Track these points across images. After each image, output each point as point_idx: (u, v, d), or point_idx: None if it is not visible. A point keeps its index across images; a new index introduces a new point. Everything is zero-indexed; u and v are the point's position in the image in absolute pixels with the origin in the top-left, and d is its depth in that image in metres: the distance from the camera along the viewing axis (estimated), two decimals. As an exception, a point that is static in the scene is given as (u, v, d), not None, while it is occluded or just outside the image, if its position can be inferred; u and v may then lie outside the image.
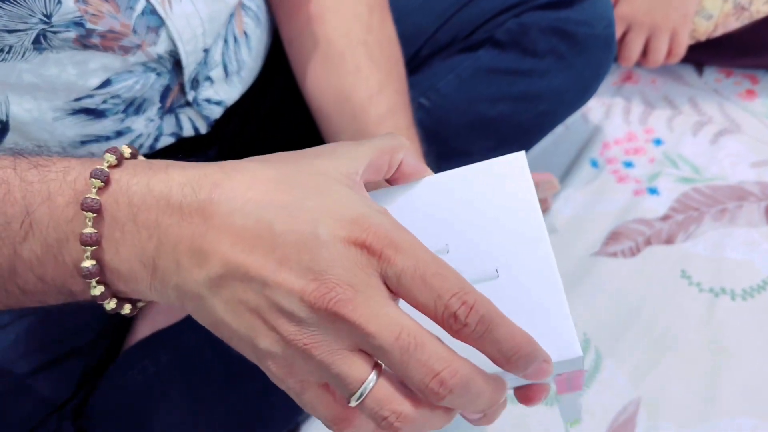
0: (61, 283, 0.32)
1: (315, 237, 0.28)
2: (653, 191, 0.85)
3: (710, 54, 0.99)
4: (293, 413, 0.63)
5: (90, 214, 0.30)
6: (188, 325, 0.59)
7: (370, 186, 0.37)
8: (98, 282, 0.31)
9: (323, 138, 0.63)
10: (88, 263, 0.30)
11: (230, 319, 0.30)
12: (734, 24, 0.91)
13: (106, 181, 0.31)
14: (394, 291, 0.29)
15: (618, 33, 0.91)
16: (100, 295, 0.31)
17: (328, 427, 0.31)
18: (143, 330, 0.63)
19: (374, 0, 0.63)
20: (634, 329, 0.71)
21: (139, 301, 0.34)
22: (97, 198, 0.30)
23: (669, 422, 0.64)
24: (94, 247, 0.30)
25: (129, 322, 0.64)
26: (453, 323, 0.28)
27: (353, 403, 0.29)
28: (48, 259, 0.31)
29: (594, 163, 0.89)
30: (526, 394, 0.34)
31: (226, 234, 0.29)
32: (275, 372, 0.30)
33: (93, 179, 0.30)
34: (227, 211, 0.29)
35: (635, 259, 0.78)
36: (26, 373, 0.54)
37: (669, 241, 0.79)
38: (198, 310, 0.31)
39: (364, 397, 0.28)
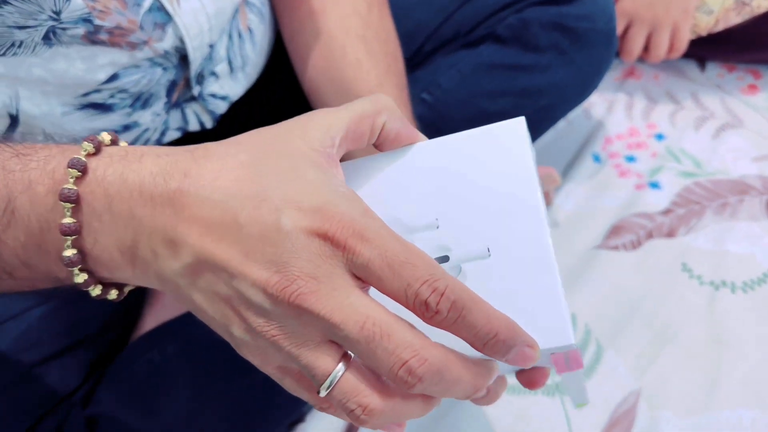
0: (46, 269, 0.33)
1: (278, 229, 0.28)
2: (655, 185, 0.85)
3: (713, 49, 0.99)
4: (298, 402, 0.64)
5: (68, 205, 0.30)
6: (193, 317, 0.60)
7: (359, 154, 0.36)
8: (81, 270, 0.31)
9: None
10: (69, 252, 0.30)
11: (206, 307, 0.30)
12: (735, 19, 0.91)
13: (83, 171, 0.31)
14: (364, 280, 0.29)
15: (620, 28, 0.92)
16: (84, 282, 0.31)
17: (314, 406, 0.32)
18: (150, 322, 0.64)
19: None
20: (635, 322, 0.71)
21: (126, 285, 0.34)
22: (75, 188, 0.30)
23: (669, 412, 0.64)
24: (74, 237, 0.30)
25: (137, 313, 0.65)
26: (425, 311, 0.28)
27: (322, 394, 0.29)
28: (32, 247, 0.32)
29: (596, 158, 0.90)
30: (527, 379, 0.35)
31: (195, 225, 0.29)
32: (252, 359, 0.30)
33: (70, 169, 0.30)
34: (196, 201, 0.29)
35: (636, 252, 0.78)
36: (37, 362, 0.55)
37: (670, 234, 0.80)
38: (178, 297, 0.31)
39: (331, 388, 0.28)
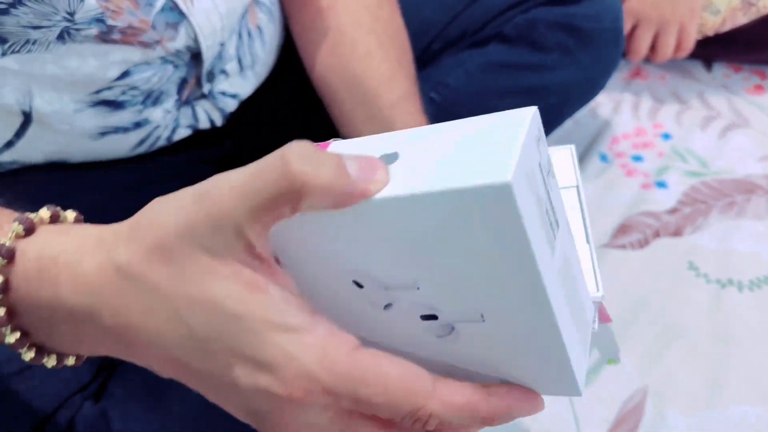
0: None
1: (235, 385, 0.26)
2: (661, 185, 0.86)
3: (719, 49, 1.00)
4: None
5: None
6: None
7: None
8: (12, 329, 0.30)
9: (335, 124, 0.64)
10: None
11: None
12: (742, 19, 0.92)
13: (11, 258, 0.30)
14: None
15: (626, 28, 0.92)
16: (15, 342, 0.30)
17: None
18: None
19: None
20: (642, 320, 0.72)
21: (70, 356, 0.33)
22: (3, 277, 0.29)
23: (675, 410, 0.65)
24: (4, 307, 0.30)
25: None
26: None
27: None
28: None
29: (603, 157, 0.90)
30: None
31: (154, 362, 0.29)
32: None
33: None
34: (143, 344, 0.28)
35: (644, 251, 0.79)
36: None
37: (677, 233, 0.80)
38: None
39: None
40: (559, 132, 0.94)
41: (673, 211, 0.83)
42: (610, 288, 0.75)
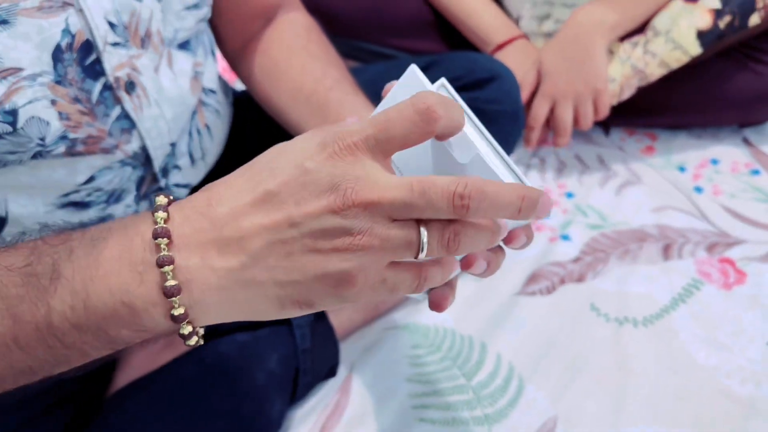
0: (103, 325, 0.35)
1: (307, 172, 0.33)
2: (566, 237, 0.94)
3: (615, 116, 1.09)
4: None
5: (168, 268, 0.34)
6: (160, 374, 0.66)
7: None
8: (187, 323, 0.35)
9: (292, 134, 0.71)
10: (177, 311, 0.34)
11: (292, 274, 0.33)
12: (636, 84, 0.99)
13: (169, 236, 0.34)
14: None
15: (546, 110, 0.97)
16: (188, 333, 0.35)
17: (413, 293, 0.37)
18: (122, 381, 0.69)
19: (310, 23, 0.73)
20: (551, 356, 0.79)
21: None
22: (170, 254, 0.34)
23: (582, 433, 0.71)
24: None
25: (109, 376, 0.70)
26: (462, 208, 0.32)
27: (422, 256, 0.34)
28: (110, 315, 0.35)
29: (515, 217, 0.98)
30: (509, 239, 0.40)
31: (242, 218, 0.34)
32: (355, 285, 0.34)
33: (160, 239, 0.34)
34: (228, 203, 0.34)
35: (552, 296, 0.86)
36: (24, 421, 0.60)
37: (580, 279, 0.88)
38: (258, 293, 0.35)
39: (426, 246, 0.33)
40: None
41: (576, 260, 0.91)
42: (524, 330, 0.82)
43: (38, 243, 0.36)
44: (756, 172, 1.02)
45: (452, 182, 0.33)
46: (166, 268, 0.33)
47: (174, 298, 0.34)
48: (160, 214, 0.35)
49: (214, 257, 0.34)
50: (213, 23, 0.72)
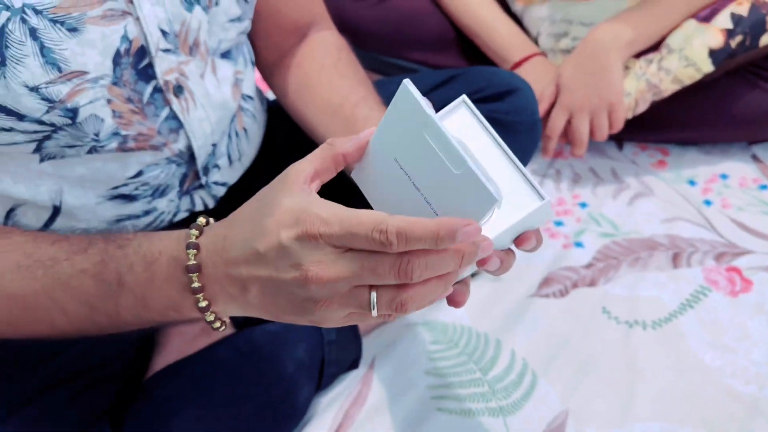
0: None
1: (281, 246, 0.41)
2: (579, 244, 0.98)
3: (629, 132, 1.12)
4: (283, 428, 0.73)
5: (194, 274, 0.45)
6: (196, 358, 0.71)
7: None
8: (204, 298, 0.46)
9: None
10: (203, 303, 0.46)
11: (277, 307, 0.44)
12: (651, 98, 1.02)
13: (198, 249, 0.46)
14: (341, 246, 0.41)
15: (562, 121, 1.01)
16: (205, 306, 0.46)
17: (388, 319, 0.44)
18: (159, 364, 0.73)
19: (341, 43, 0.78)
20: (563, 356, 0.82)
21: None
22: (196, 262, 0.46)
23: (592, 428, 0.74)
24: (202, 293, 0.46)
25: (149, 357, 0.75)
26: (385, 247, 0.39)
27: (374, 313, 0.42)
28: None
29: (531, 224, 1.02)
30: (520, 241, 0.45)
31: (243, 266, 0.44)
32: (325, 324, 0.44)
33: (189, 250, 0.45)
34: (235, 254, 0.44)
35: (565, 299, 0.89)
36: (79, 389, 0.64)
37: (592, 284, 0.91)
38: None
39: (376, 305, 0.41)
40: (495, 204, 1.06)
41: (588, 266, 0.94)
42: (537, 330, 0.85)
43: (104, 252, 0.48)
44: (764, 187, 1.06)
45: (372, 230, 0.39)
46: (199, 295, 0.46)
47: (206, 313, 0.47)
48: (192, 251, 0.46)
49: (228, 287, 0.45)
50: (251, 37, 0.77)
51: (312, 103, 0.73)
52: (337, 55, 0.76)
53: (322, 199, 0.42)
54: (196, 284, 0.45)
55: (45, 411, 0.61)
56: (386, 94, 0.78)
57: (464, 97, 0.46)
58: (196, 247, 0.45)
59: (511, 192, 0.43)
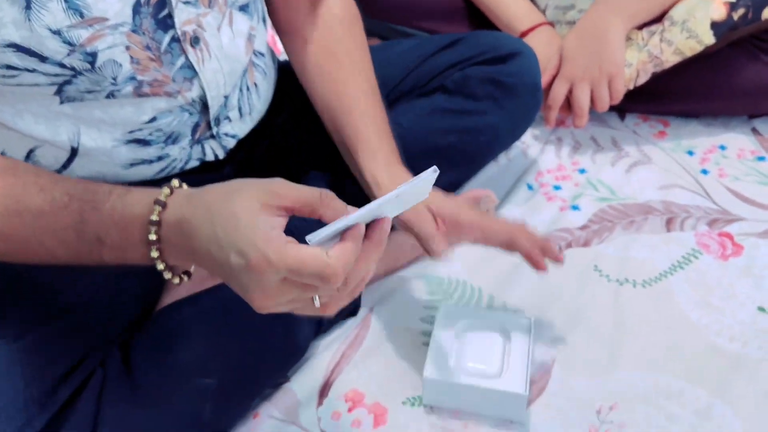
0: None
1: (230, 266, 0.44)
2: (575, 207, 1.00)
3: (631, 103, 1.13)
4: (285, 364, 0.76)
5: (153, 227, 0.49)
6: (206, 293, 0.74)
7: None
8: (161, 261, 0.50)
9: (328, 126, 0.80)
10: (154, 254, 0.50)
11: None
12: (652, 69, 1.03)
13: (164, 207, 0.49)
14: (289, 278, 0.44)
15: (564, 90, 1.02)
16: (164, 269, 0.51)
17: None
18: (168, 299, 0.77)
19: (352, 16, 0.81)
20: (554, 308, 0.84)
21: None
22: (158, 218, 0.49)
23: (578, 374, 0.77)
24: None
25: (160, 293, 0.78)
26: (330, 284, 0.43)
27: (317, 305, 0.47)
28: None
29: (530, 187, 1.04)
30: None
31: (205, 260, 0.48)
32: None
33: (155, 205, 0.48)
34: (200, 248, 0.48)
35: (558, 257, 0.91)
36: (97, 314, 0.68)
37: (586, 244, 0.93)
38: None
39: (317, 301, 0.47)
40: (496, 167, 1.08)
41: (583, 227, 0.96)
42: (531, 286, 0.87)
43: (81, 211, 0.51)
44: (761, 159, 1.07)
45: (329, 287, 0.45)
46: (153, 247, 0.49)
47: (156, 261, 0.50)
48: (157, 208, 0.49)
49: (184, 257, 0.50)
50: None
51: (317, 90, 0.78)
52: (350, 32, 0.79)
53: (278, 234, 0.44)
54: (153, 236, 0.48)
55: (56, 331, 0.64)
56: (382, 57, 0.81)
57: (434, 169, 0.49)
58: (163, 205, 0.48)
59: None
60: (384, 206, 0.46)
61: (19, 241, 0.52)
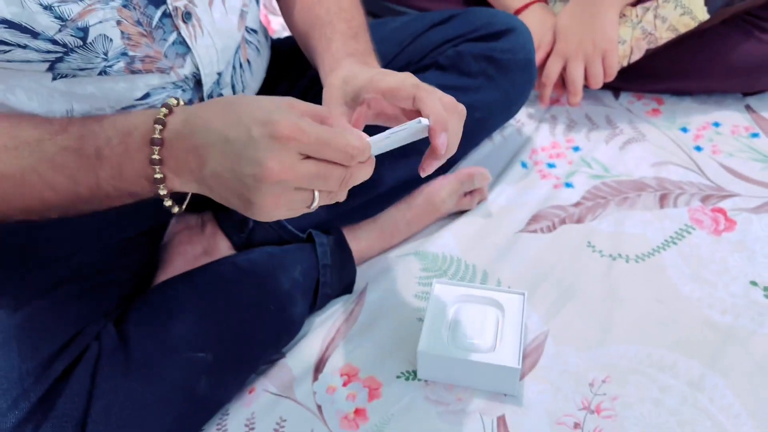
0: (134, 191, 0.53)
1: (252, 138, 0.45)
2: (569, 185, 1.00)
3: (625, 81, 1.13)
4: (278, 341, 0.76)
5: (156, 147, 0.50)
6: (197, 271, 0.74)
7: None
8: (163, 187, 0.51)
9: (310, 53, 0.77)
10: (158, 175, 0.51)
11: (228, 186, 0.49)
12: (645, 46, 1.03)
13: (164, 125, 0.50)
14: (309, 156, 0.46)
15: (558, 67, 1.03)
16: (164, 195, 0.52)
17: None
18: (163, 276, 0.77)
19: None
20: (548, 282, 0.85)
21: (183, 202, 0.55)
22: (160, 137, 0.50)
23: (570, 347, 0.77)
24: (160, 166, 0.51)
25: (156, 269, 0.79)
26: (347, 162, 0.47)
27: (314, 205, 0.49)
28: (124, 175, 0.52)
29: (524, 164, 1.04)
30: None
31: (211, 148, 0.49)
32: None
33: (156, 125, 0.50)
34: (205, 140, 0.49)
35: (551, 234, 0.92)
36: (94, 284, 0.68)
37: (579, 221, 0.93)
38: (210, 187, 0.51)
39: (317, 199, 0.48)
40: (491, 145, 1.08)
41: (577, 204, 0.96)
42: (524, 261, 0.88)
43: (82, 128, 0.52)
44: (755, 135, 1.07)
45: (338, 171, 0.48)
46: (156, 167, 0.50)
47: (160, 186, 0.52)
48: (158, 126, 0.50)
49: (188, 160, 0.50)
50: None
51: (305, 18, 0.76)
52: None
53: (295, 107, 0.47)
54: (156, 156, 0.50)
55: (52, 305, 0.64)
56: (375, 35, 0.80)
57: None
58: (163, 123, 0.50)
59: None
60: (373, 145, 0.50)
61: (16, 176, 0.52)
